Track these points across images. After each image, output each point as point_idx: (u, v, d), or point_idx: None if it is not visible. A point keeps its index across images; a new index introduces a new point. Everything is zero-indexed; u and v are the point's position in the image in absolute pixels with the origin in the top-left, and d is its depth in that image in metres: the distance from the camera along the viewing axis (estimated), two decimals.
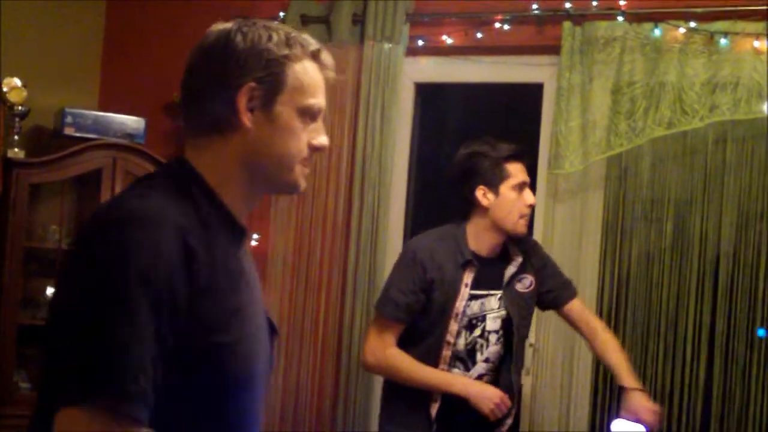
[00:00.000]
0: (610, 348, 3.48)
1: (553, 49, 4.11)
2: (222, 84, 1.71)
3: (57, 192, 4.42)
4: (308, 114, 1.76)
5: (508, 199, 3.38)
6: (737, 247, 3.94)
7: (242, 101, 1.70)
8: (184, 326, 1.58)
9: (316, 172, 4.43)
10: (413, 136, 4.55)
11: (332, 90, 4.42)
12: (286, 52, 1.73)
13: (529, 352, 4.17)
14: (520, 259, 3.48)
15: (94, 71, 4.72)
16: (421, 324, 3.38)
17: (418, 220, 4.50)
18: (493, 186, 3.37)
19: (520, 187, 3.40)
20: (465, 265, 3.38)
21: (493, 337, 3.44)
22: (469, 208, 3.44)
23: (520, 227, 3.42)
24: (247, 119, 1.70)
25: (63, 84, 4.51)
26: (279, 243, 4.48)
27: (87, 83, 4.67)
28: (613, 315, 4.09)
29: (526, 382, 4.18)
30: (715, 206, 3.95)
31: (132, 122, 4.28)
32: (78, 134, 4.17)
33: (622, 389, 3.39)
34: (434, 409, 3.36)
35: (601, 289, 4.11)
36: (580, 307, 3.59)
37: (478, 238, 3.42)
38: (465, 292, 3.37)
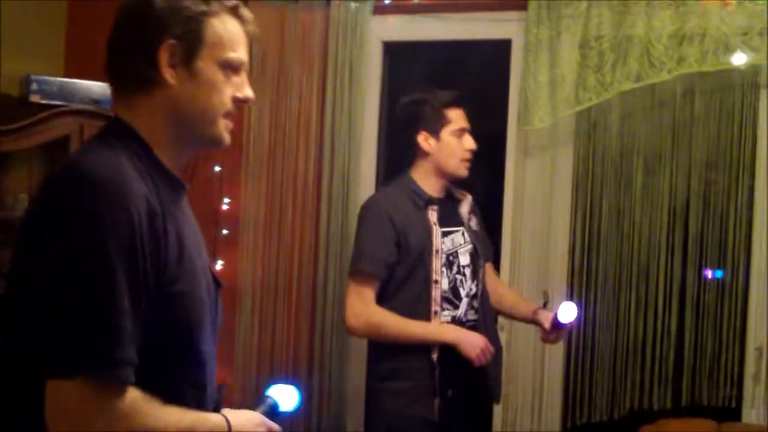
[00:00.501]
0: (506, 292, 3.81)
1: (520, 5, 4.09)
2: (143, 42, 1.77)
3: (25, 160, 4.38)
4: (230, 67, 1.83)
5: (448, 144, 3.52)
6: (706, 198, 3.96)
7: (163, 58, 1.76)
8: (152, 279, 1.65)
9: (285, 132, 4.43)
10: (382, 94, 4.53)
11: (300, 50, 4.44)
12: (203, 8, 1.79)
13: None
14: (470, 198, 3.65)
15: (58, 38, 4.67)
16: (403, 274, 3.42)
17: (388, 179, 4.48)
18: (434, 131, 3.52)
19: (460, 132, 3.53)
20: (426, 206, 3.50)
21: (468, 272, 3.53)
22: (412, 154, 3.57)
23: (462, 170, 3.56)
24: (169, 76, 1.77)
25: (28, 51, 4.45)
26: (251, 204, 4.47)
27: (52, 50, 4.62)
28: (584, 268, 4.11)
29: (501, 337, 4.20)
30: (684, 158, 3.97)
31: (98, 88, 4.24)
32: (44, 101, 4.13)
33: (535, 314, 3.59)
34: (435, 353, 3.41)
35: (572, 242, 4.13)
36: (492, 270, 3.81)
37: (425, 182, 3.55)
38: (437, 229, 3.47)
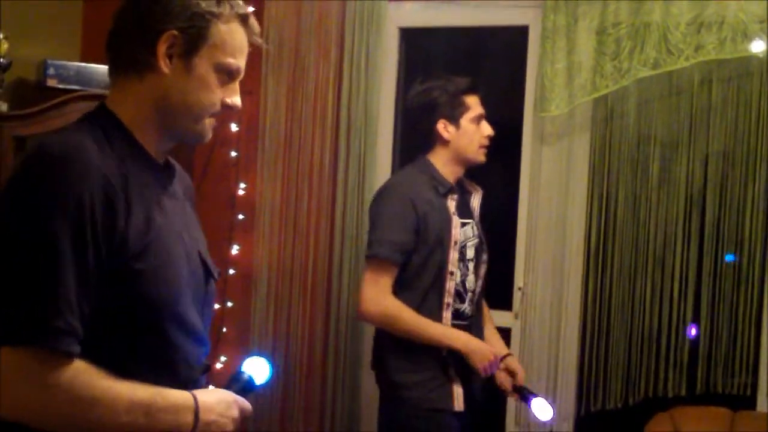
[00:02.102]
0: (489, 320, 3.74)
1: None
2: (146, 27, 1.80)
3: None
4: (225, 72, 1.87)
5: (468, 131, 3.50)
6: (723, 186, 3.94)
7: (162, 46, 1.79)
8: (105, 255, 1.67)
9: (302, 118, 4.43)
10: (399, 81, 4.52)
11: (317, 36, 4.43)
12: (214, 9, 1.83)
13: (517, 295, 4.20)
14: (480, 191, 3.62)
15: (76, 22, 4.68)
16: (418, 262, 3.39)
17: (404, 166, 4.48)
18: (454, 119, 3.49)
19: (479, 118, 3.52)
20: (447, 194, 3.47)
21: (471, 266, 3.51)
22: (429, 142, 3.54)
23: (480, 156, 3.55)
24: (164, 64, 1.80)
25: (45, 35, 4.46)
26: (267, 190, 4.48)
27: (69, 34, 4.63)
28: (600, 256, 4.10)
29: (516, 324, 4.21)
30: (701, 146, 3.95)
31: None
32: (61, 86, 4.13)
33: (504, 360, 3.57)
34: (444, 350, 3.41)
35: (588, 230, 4.11)
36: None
37: (444, 169, 3.52)
38: (456, 220, 3.44)
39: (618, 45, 3.88)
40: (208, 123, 1.89)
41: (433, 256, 3.40)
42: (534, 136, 4.14)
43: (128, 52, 1.83)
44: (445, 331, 3.39)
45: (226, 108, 1.90)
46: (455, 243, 3.42)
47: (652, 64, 3.82)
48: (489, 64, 4.48)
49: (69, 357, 1.62)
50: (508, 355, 3.64)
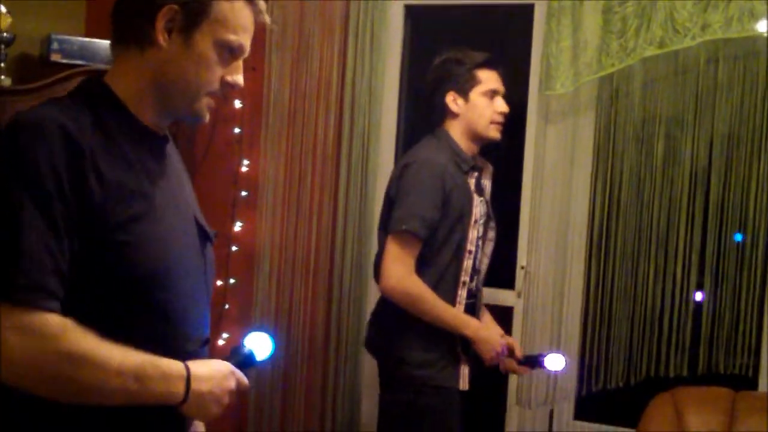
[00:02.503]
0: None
1: None
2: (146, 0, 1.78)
3: None
4: (226, 49, 1.84)
5: (477, 105, 3.46)
6: (728, 167, 3.92)
7: (161, 20, 1.78)
8: (87, 224, 1.67)
9: (306, 95, 4.41)
10: (403, 59, 4.50)
11: (321, 12, 4.41)
12: None
13: (520, 274, 4.20)
14: (491, 168, 3.59)
15: None
16: (439, 239, 3.36)
17: (408, 145, 4.47)
18: (463, 92, 3.46)
19: (492, 94, 3.48)
20: (469, 171, 3.45)
21: (480, 243, 3.49)
22: (440, 116, 3.52)
23: (492, 132, 3.50)
24: (162, 38, 1.79)
25: (49, 10, 4.45)
26: (270, 167, 4.47)
27: (73, 9, 4.61)
28: (603, 236, 4.09)
29: (518, 303, 4.21)
30: (707, 126, 3.92)
31: None
32: (65, 61, 4.12)
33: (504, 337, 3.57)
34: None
35: (592, 209, 4.11)
36: None
37: (461, 144, 3.49)
38: (476, 197, 3.44)
39: (624, 23, 3.86)
40: (206, 103, 1.87)
41: (454, 234, 3.38)
42: (539, 114, 4.13)
43: (129, 24, 1.82)
44: (457, 317, 3.39)
45: (227, 86, 1.88)
46: (475, 221, 3.42)
47: (658, 43, 3.80)
48: (494, 42, 4.45)
49: (48, 312, 1.62)
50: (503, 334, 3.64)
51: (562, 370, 3.55)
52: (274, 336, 2.05)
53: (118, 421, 1.75)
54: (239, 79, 1.89)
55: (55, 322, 1.63)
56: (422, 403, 3.38)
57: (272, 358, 2.05)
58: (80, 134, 1.69)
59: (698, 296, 3.99)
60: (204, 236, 1.98)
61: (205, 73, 1.83)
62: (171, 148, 1.98)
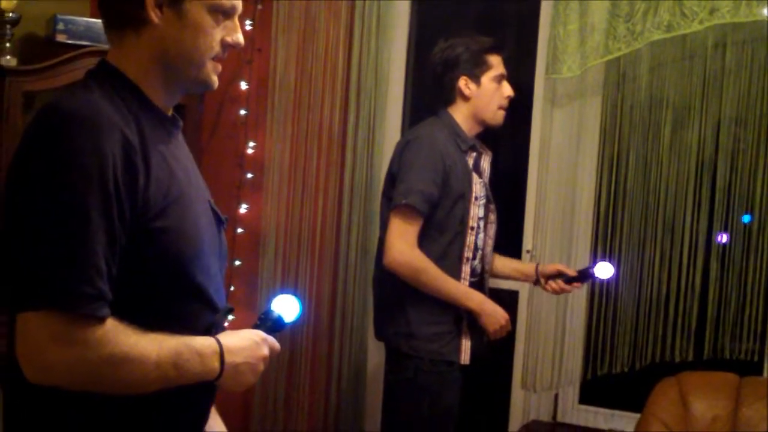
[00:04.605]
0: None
1: None
2: None
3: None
4: (220, 11, 1.83)
5: (488, 90, 3.51)
6: (735, 152, 3.91)
7: None
8: (129, 215, 1.65)
9: (311, 78, 4.40)
10: (409, 43, 4.49)
11: (325, 27, 4.34)
12: None
13: (526, 257, 4.20)
14: (490, 153, 3.62)
15: None
16: (440, 216, 3.38)
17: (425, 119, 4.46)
18: (475, 76, 3.50)
19: (500, 78, 3.51)
20: (467, 150, 3.48)
21: (481, 224, 3.51)
22: (449, 98, 3.54)
23: (499, 117, 3.55)
24: (154, 15, 1.77)
25: None
26: (276, 149, 4.45)
27: None
28: (609, 220, 4.09)
29: (523, 287, 4.21)
30: (714, 111, 3.91)
31: None
32: (70, 41, 4.11)
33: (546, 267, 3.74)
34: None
35: (598, 194, 4.11)
36: None
37: (464, 126, 3.52)
38: (476, 177, 3.47)
39: (631, 7, 3.84)
40: (212, 68, 1.86)
41: (455, 211, 3.40)
42: (545, 98, 4.12)
43: (120, 9, 1.80)
44: (461, 289, 3.41)
45: (228, 46, 1.86)
46: (476, 198, 3.44)
47: (666, 27, 3.78)
48: (501, 25, 4.44)
49: (97, 321, 1.60)
50: (537, 264, 3.77)
51: (611, 277, 3.63)
52: (300, 297, 2.06)
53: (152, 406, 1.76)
54: (239, 37, 1.88)
55: (100, 328, 1.61)
56: (421, 381, 3.40)
57: (300, 318, 2.05)
58: (128, 127, 1.68)
59: (723, 238, 3.97)
60: (218, 221, 1.98)
61: (204, 40, 1.81)
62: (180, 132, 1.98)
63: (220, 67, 1.88)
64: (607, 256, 4.06)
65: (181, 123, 1.95)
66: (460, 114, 3.52)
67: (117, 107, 1.71)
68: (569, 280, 3.63)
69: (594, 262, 3.65)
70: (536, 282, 3.73)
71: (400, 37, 4.43)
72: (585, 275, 3.60)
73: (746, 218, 3.91)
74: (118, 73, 1.80)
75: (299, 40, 4.41)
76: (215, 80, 1.88)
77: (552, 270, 3.68)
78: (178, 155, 1.86)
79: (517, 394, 4.29)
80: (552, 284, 3.66)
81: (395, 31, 4.37)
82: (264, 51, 4.38)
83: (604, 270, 3.55)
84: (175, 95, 1.90)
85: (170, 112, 1.91)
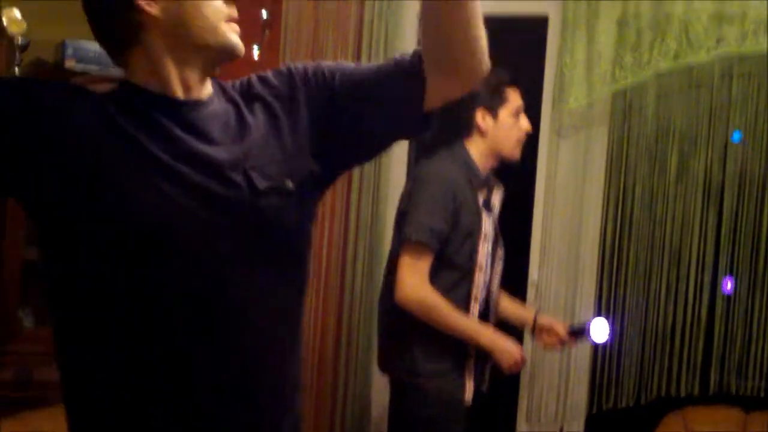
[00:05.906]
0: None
1: None
2: None
3: None
4: None
5: (506, 124, 3.45)
6: (741, 184, 3.88)
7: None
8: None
9: None
10: None
11: (334, 18, 4.35)
12: None
13: (531, 289, 4.16)
14: (502, 188, 3.55)
15: None
16: (449, 253, 3.33)
17: (421, 152, 4.44)
18: (493, 110, 3.43)
19: (517, 112, 3.46)
20: (480, 187, 3.41)
21: (490, 261, 3.46)
22: (465, 131, 3.48)
23: (516, 152, 3.50)
24: (152, 9, 1.70)
25: (64, 15, 4.45)
26: None
27: None
28: (615, 252, 4.05)
29: (530, 290, 4.17)
30: (720, 142, 3.89)
31: None
32: (79, 66, 4.13)
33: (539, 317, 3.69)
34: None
35: (604, 225, 4.07)
36: None
37: (479, 161, 3.46)
38: (485, 214, 3.40)
39: (639, 36, 3.83)
40: (228, 29, 1.76)
41: (464, 249, 3.35)
42: (551, 128, 4.11)
43: (119, 29, 1.74)
44: (472, 326, 3.36)
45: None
46: (485, 236, 3.39)
47: (673, 56, 3.78)
48: (507, 54, 4.41)
49: None
50: (536, 314, 3.71)
51: (606, 340, 3.53)
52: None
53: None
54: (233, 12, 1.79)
55: None
56: (426, 414, 3.35)
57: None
58: (71, 101, 1.76)
59: (728, 285, 3.92)
60: (252, 188, 1.84)
61: (207, 7, 1.73)
62: (215, 109, 1.82)
63: (237, 28, 1.79)
64: (614, 287, 4.02)
65: (200, 103, 1.80)
66: (475, 148, 3.46)
67: (87, 99, 1.75)
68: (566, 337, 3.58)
69: (589, 321, 3.53)
70: (532, 331, 3.69)
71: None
72: (579, 334, 3.54)
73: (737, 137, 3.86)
74: (124, 83, 1.76)
75: (306, 59, 4.39)
76: (236, 40, 1.78)
77: (547, 323, 3.62)
78: (169, 143, 1.72)
79: (522, 429, 4.23)
80: (545, 338, 3.62)
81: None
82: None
83: (599, 331, 3.46)
84: (203, 73, 1.80)
85: (204, 94, 1.81)
